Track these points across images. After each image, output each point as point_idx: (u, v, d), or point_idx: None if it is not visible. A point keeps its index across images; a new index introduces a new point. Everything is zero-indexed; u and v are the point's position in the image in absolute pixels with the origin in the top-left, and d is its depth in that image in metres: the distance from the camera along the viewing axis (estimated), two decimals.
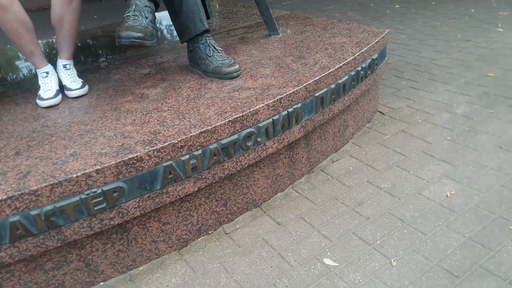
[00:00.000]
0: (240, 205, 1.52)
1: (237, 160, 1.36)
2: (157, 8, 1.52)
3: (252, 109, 1.34)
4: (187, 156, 1.23)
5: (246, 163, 1.39)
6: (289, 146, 1.60)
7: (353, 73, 1.70)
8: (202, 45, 1.64)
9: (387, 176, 1.68)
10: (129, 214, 1.18)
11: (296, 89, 1.45)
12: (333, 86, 1.60)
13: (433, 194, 1.56)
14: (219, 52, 1.63)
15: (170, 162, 1.20)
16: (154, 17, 1.45)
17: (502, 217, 1.42)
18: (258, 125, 1.37)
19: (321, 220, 1.49)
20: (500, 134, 1.90)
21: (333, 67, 1.59)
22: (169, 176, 1.21)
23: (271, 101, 1.38)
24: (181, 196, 1.27)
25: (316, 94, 1.54)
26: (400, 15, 4.14)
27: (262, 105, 1.36)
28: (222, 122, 1.28)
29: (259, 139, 1.39)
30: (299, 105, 1.48)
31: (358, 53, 1.71)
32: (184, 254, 1.39)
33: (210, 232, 1.47)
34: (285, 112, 1.44)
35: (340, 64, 1.62)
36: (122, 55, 2.00)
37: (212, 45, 1.63)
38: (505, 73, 2.55)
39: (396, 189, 1.61)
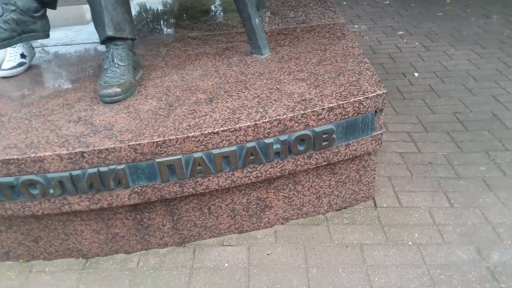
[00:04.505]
0: (58, 249, 1.38)
1: (23, 204, 1.22)
2: (51, 3, 1.41)
3: (34, 155, 1.14)
4: None
5: (38, 210, 1.23)
6: (133, 208, 1.32)
7: (250, 145, 1.22)
8: (106, 54, 1.46)
9: None
10: None
11: (114, 145, 1.16)
12: (197, 155, 1.20)
13: None
14: (115, 67, 1.41)
15: None
16: (24, 17, 1.35)
17: None
18: (46, 175, 1.17)
19: None
20: None
21: (203, 130, 1.18)
22: None
23: (65, 152, 1.15)
24: None
25: (158, 160, 1.19)
26: None
27: (51, 153, 1.15)
28: None
29: (51, 191, 1.19)
30: (122, 166, 1.18)
31: (265, 120, 1.20)
32: None
33: (20, 261, 1.40)
34: (93, 170, 1.17)
35: (217, 129, 1.18)
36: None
37: (112, 57, 1.43)
38: None
39: None
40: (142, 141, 1.16)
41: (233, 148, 1.21)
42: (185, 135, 1.17)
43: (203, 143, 1.19)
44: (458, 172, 1.66)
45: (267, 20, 2.03)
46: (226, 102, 1.32)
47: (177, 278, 1.30)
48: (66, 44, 1.96)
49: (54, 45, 1.95)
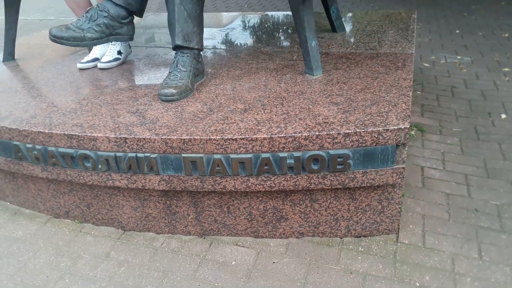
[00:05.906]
0: (104, 217, 1.67)
1: (79, 173, 1.52)
2: (137, 12, 1.71)
3: (89, 134, 1.44)
4: (30, 145, 1.53)
5: (89, 180, 1.53)
6: (164, 194, 1.55)
7: (264, 155, 1.36)
8: (174, 59, 1.72)
9: None
10: None
11: (150, 137, 1.39)
12: (217, 156, 1.38)
13: None
14: (177, 71, 1.66)
15: (17, 142, 1.54)
16: (113, 22, 1.67)
17: None
18: (97, 152, 1.45)
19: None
20: None
21: (224, 135, 1.36)
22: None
23: (112, 135, 1.42)
24: (26, 175, 1.61)
25: (184, 155, 1.40)
26: None
27: (102, 135, 1.43)
28: (59, 132, 1.47)
29: (99, 166, 1.47)
30: (155, 155, 1.41)
31: (281, 135, 1.33)
32: (48, 222, 1.73)
33: (76, 221, 1.73)
34: (132, 154, 1.43)
35: (236, 136, 1.35)
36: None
37: (177, 62, 1.68)
38: None
39: None
40: (172, 137, 1.37)
41: (249, 155, 1.35)
42: (208, 137, 1.35)
43: (223, 147, 1.35)
44: (504, 226, 1.57)
45: (339, 42, 2.12)
46: (257, 114, 1.47)
47: (188, 264, 1.48)
48: (159, 47, 2.30)
49: (150, 46, 2.30)
